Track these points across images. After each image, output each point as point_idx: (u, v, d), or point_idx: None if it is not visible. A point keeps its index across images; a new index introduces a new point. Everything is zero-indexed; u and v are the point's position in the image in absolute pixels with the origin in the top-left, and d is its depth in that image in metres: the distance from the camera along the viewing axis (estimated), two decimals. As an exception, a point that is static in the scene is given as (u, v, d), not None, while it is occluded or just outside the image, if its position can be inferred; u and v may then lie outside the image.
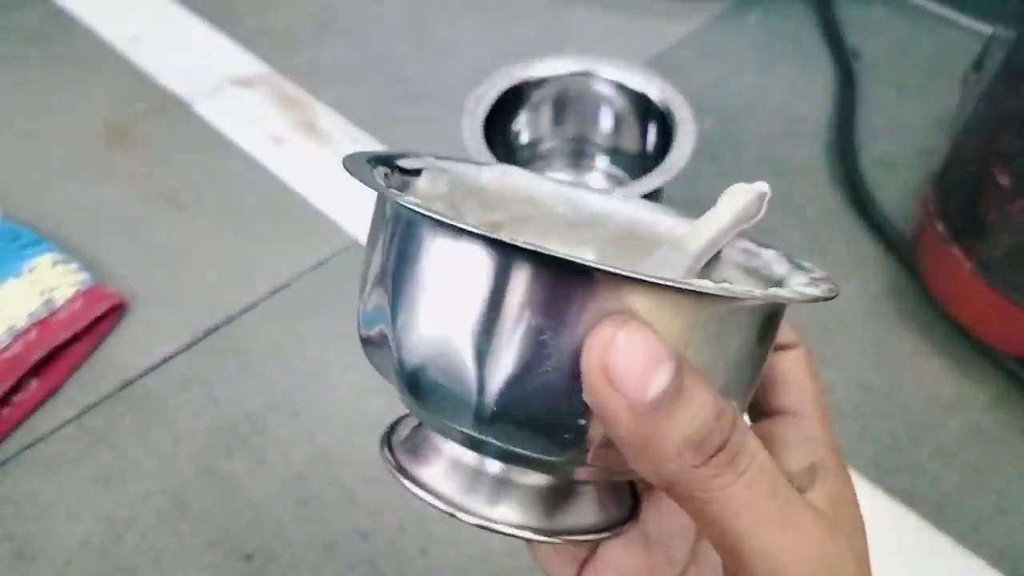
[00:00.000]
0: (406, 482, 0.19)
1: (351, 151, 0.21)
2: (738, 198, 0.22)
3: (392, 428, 0.22)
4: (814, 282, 0.20)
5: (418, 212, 0.16)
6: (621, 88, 0.45)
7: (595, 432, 0.17)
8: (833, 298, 0.18)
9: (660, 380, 0.15)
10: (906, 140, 0.54)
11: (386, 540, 0.36)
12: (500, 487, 0.19)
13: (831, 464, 0.19)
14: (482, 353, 0.16)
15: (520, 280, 0.16)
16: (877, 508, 0.37)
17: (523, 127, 0.47)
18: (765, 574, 0.16)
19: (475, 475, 0.19)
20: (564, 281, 0.16)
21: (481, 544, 0.36)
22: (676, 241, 0.22)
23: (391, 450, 0.20)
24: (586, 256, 0.22)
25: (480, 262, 0.16)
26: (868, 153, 0.52)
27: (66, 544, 0.36)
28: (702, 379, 0.16)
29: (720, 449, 0.16)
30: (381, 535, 0.37)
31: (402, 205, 0.17)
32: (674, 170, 0.40)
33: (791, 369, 0.21)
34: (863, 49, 0.59)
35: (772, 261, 0.22)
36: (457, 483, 0.19)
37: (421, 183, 0.25)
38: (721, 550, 0.16)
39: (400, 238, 0.18)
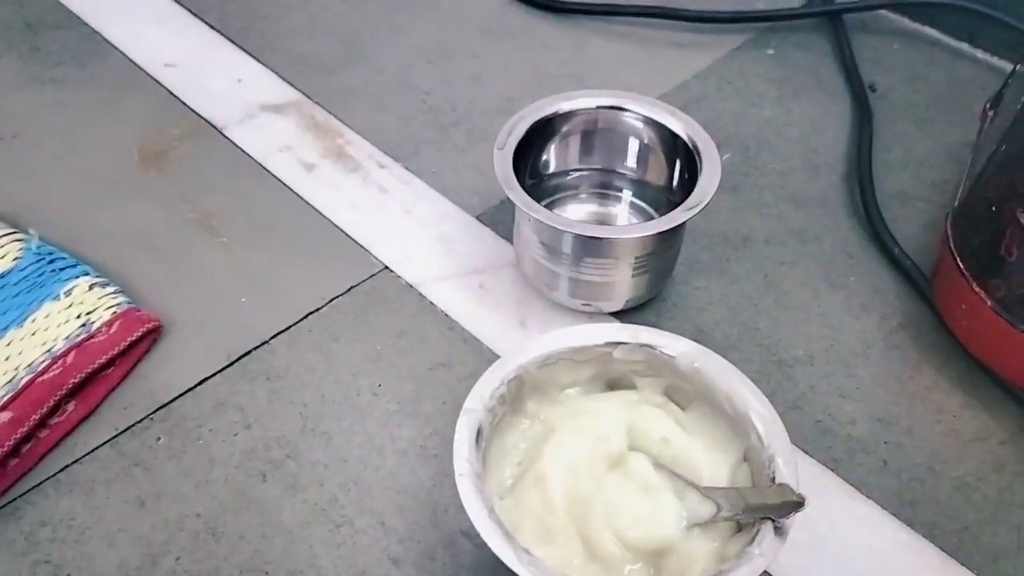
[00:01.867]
0: None
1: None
2: (779, 496, 0.30)
3: None
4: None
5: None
6: (648, 122, 0.46)
7: None
8: None
9: None
10: (921, 173, 0.55)
11: (417, 566, 0.37)
12: None
13: None
14: None
15: None
16: (899, 541, 0.38)
17: (551, 157, 0.48)
18: None
19: None
20: None
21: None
22: (717, 491, 0.31)
23: None
24: None
25: None
26: (884, 186, 0.53)
27: (103, 567, 0.37)
28: None
29: None
30: (412, 561, 0.37)
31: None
32: (699, 207, 0.41)
33: None
34: (879, 82, 0.60)
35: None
36: None
37: (617, 353, 0.34)
38: None
39: None
